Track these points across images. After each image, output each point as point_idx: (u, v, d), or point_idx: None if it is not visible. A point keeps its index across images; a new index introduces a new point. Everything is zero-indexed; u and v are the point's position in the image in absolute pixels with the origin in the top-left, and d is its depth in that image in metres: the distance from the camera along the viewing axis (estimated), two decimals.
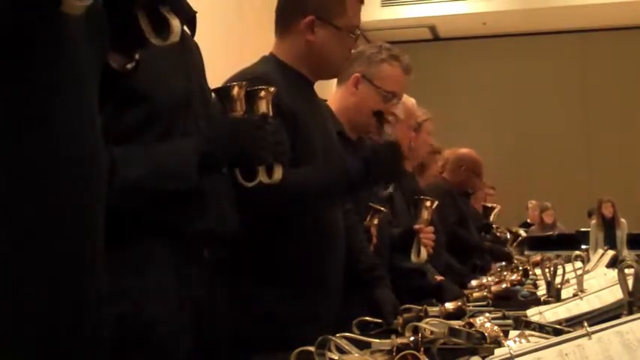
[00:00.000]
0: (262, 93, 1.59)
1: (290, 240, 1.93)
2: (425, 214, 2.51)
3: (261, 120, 1.55)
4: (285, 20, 2.07)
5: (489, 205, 4.90)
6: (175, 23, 0.93)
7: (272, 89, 1.61)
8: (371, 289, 2.21)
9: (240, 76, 1.96)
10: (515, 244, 5.11)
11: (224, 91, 1.57)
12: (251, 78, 1.89)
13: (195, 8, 1.62)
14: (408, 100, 2.99)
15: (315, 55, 2.04)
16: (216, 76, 1.87)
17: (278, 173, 1.56)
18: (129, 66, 0.96)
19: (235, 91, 1.55)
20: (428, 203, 2.54)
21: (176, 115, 1.52)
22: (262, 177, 1.54)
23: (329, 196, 2.00)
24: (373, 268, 2.28)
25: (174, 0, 0.96)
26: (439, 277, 2.98)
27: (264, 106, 1.58)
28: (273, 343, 1.61)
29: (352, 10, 2.06)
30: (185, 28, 1.58)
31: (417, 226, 2.46)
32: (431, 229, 2.55)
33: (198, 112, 1.58)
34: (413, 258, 2.45)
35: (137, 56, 0.98)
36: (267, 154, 1.52)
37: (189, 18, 1.61)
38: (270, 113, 1.58)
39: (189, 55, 1.61)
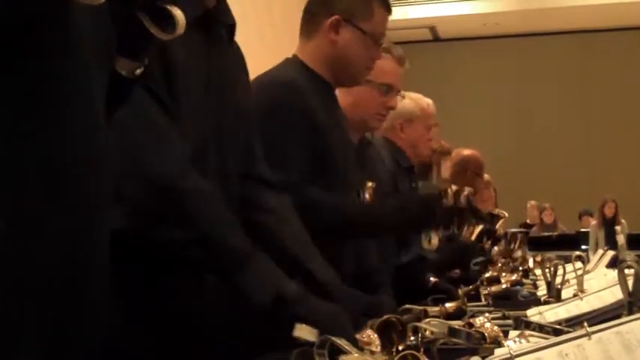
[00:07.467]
0: None
1: None
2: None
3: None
4: (312, 20, 2.07)
5: (496, 212, 4.83)
6: (178, 15, 0.92)
7: None
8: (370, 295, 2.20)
9: (268, 80, 1.97)
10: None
11: None
12: (279, 83, 1.92)
13: None
14: (424, 100, 2.99)
15: (338, 57, 2.04)
16: None
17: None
18: (138, 71, 0.95)
19: None
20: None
21: (196, 157, 1.42)
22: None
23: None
24: (371, 275, 2.27)
25: None
26: (434, 279, 2.97)
27: None
28: (273, 343, 1.61)
29: (378, 17, 2.05)
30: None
31: None
32: None
33: (227, 154, 1.51)
34: (424, 244, 2.45)
35: (146, 60, 0.96)
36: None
37: (227, 28, 1.62)
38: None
39: (221, 90, 1.51)
